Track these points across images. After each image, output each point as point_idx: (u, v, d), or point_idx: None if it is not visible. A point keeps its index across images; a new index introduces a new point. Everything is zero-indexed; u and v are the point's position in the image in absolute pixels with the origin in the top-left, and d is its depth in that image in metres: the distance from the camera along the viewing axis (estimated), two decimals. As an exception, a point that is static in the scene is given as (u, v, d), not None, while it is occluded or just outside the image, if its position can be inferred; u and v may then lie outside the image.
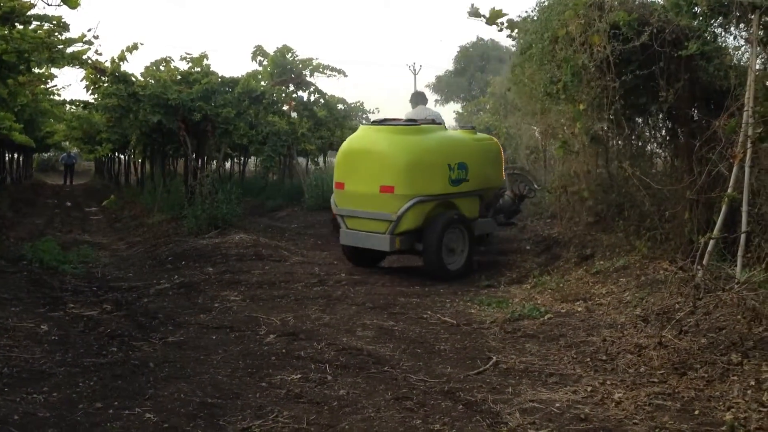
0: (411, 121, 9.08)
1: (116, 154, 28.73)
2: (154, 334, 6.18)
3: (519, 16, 9.07)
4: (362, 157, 8.62)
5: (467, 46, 49.11)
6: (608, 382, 4.72)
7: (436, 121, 9.54)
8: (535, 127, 14.08)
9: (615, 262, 7.56)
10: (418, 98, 11.54)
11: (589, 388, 4.62)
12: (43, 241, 10.36)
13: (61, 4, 7.88)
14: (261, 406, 4.42)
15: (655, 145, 8.54)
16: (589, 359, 5.25)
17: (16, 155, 28.06)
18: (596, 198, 8.56)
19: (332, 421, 4.16)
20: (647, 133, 8.43)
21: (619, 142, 8.23)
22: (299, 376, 5.01)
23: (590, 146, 8.30)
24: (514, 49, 10.19)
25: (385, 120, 9.26)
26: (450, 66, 51.07)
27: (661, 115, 8.00)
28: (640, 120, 8.27)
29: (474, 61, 47.47)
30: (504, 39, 62.49)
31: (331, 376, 5.00)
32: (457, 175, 8.87)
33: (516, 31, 8.85)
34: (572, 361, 5.26)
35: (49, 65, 10.80)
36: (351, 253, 9.39)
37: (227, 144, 15.12)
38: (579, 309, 6.66)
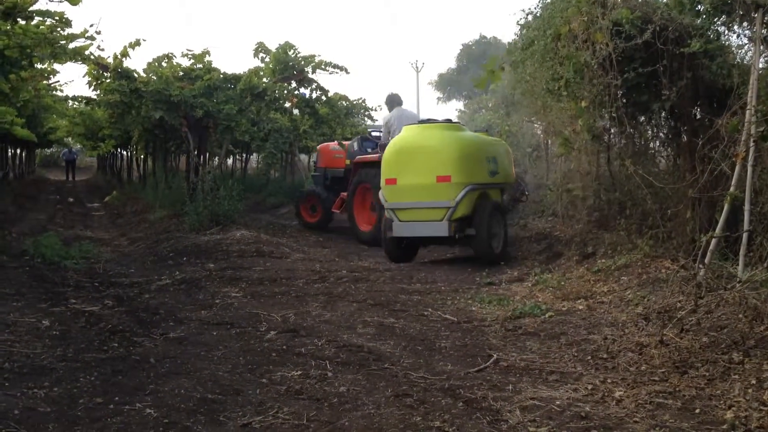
0: (448, 120, 10.10)
1: (119, 151, 28.76)
2: (155, 330, 6.18)
3: (523, 10, 9.06)
4: (415, 152, 9.30)
5: (470, 43, 49.06)
6: (609, 381, 4.71)
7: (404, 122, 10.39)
8: (536, 125, 14.08)
9: (617, 260, 7.55)
10: (394, 100, 11.77)
11: (589, 386, 4.61)
12: (45, 237, 10.38)
13: (63, 0, 7.89)
14: (261, 402, 4.42)
15: (658, 143, 8.53)
16: (590, 357, 5.24)
17: (18, 150, 28.08)
18: (598, 196, 8.55)
19: (332, 418, 4.16)
20: (649, 132, 8.42)
21: (621, 140, 8.21)
22: (300, 372, 5.01)
23: (592, 144, 8.28)
24: (508, 44, 10.29)
25: (429, 120, 10.28)
26: (452, 63, 51.05)
27: (663, 114, 8.00)
28: (642, 118, 8.27)
29: (476, 59, 47.41)
30: (507, 36, 62.54)
31: (331, 373, 4.99)
32: (492, 168, 9.79)
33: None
34: (573, 359, 5.25)
35: (52, 61, 10.79)
36: (394, 249, 9.83)
37: (229, 141, 15.11)
38: (580, 307, 6.66)
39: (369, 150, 13.12)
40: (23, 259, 9.40)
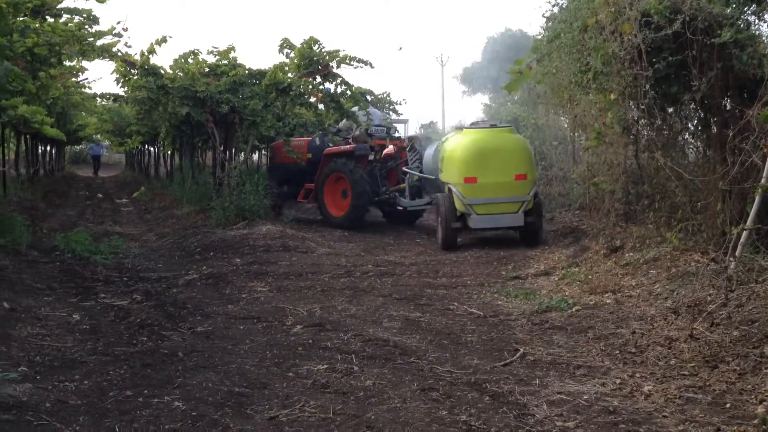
0: (494, 125, 11.47)
1: (146, 147, 29.01)
2: (183, 324, 6.24)
3: (549, 2, 8.96)
4: (493, 154, 10.45)
5: (495, 36, 48.61)
6: (637, 375, 4.66)
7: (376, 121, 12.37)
8: (563, 118, 13.95)
9: (645, 253, 7.46)
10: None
11: (617, 381, 4.57)
12: (75, 232, 10.51)
13: (90, -3, 7.97)
14: (288, 396, 4.44)
15: (687, 134, 8.40)
16: (618, 351, 5.19)
17: (48, 147, 28.48)
18: (626, 189, 8.45)
19: (358, 411, 4.17)
20: (679, 123, 8.28)
21: (650, 132, 8.09)
22: (326, 366, 5.03)
23: (620, 136, 8.18)
24: (534, 39, 10.32)
25: (483, 122, 12.06)
26: (478, 57, 50.63)
27: (693, 105, 7.86)
28: (671, 109, 8.13)
29: (502, 52, 46.98)
30: (533, 29, 61.97)
31: (357, 367, 5.01)
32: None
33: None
34: (601, 353, 5.21)
35: (80, 58, 10.92)
36: (454, 239, 10.72)
37: (255, 136, 15.17)
38: (608, 301, 6.60)
39: (330, 145, 14.23)
40: (54, 254, 9.54)
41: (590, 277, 7.51)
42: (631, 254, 7.67)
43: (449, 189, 10.74)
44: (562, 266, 8.32)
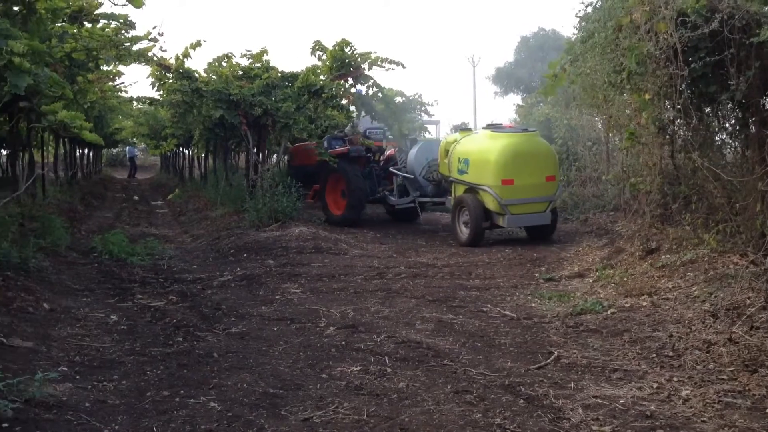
0: (525, 129, 12.33)
1: (180, 149, 29.38)
2: (218, 325, 6.31)
3: (582, 2, 8.85)
4: (528, 157, 10.96)
5: (528, 36, 48.25)
6: (675, 379, 4.59)
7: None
8: (597, 119, 13.80)
9: (682, 255, 7.33)
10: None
11: (654, 385, 4.51)
12: (112, 234, 10.70)
13: (127, 3, 8.10)
14: (321, 397, 4.47)
15: (725, 135, 8.24)
16: (654, 355, 5.12)
17: (86, 150, 28.99)
18: (662, 190, 8.32)
19: (392, 413, 4.17)
20: (716, 123, 8.14)
21: (687, 133, 7.96)
22: (359, 368, 5.04)
23: (656, 137, 8.06)
24: (566, 40, 10.28)
25: (507, 125, 12.92)
26: (510, 57, 50.29)
27: (730, 105, 7.72)
28: (708, 109, 8.00)
29: (534, 52, 46.62)
30: (566, 29, 61.35)
31: (390, 369, 5.01)
32: None
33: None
34: (637, 356, 5.14)
35: (117, 63, 11.12)
36: (481, 237, 11.05)
37: (287, 138, 15.29)
38: (644, 304, 6.51)
39: (337, 147, 14.60)
40: (92, 255, 9.72)
41: (625, 279, 7.42)
42: (668, 256, 7.55)
43: (479, 190, 11.01)
44: (596, 268, 8.23)
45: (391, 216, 15.04)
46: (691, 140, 7.77)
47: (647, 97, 7.44)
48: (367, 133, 14.93)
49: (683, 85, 7.05)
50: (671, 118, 7.64)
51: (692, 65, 6.92)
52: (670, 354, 5.09)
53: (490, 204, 10.88)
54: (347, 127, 15.51)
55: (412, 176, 13.25)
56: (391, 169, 14.00)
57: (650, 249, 8.03)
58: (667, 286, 6.81)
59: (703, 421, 3.91)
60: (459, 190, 11.62)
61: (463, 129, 14.08)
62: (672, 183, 8.29)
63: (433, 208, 14.44)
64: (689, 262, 7.11)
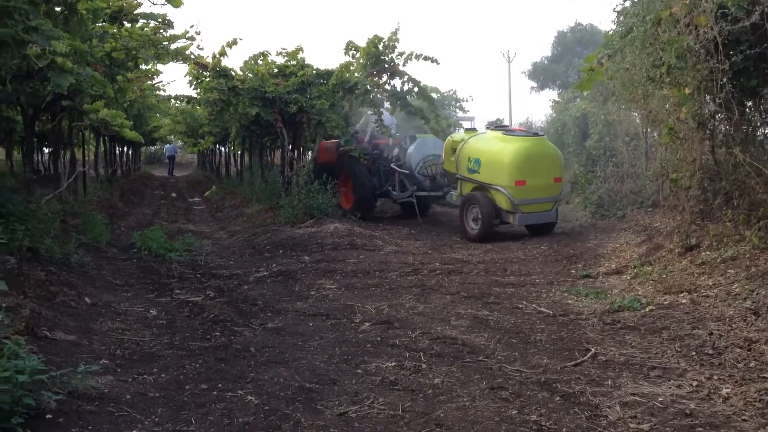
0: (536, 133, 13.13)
1: (217, 147, 29.71)
2: (255, 320, 6.38)
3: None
4: (539, 159, 11.51)
5: (565, 30, 47.70)
6: (715, 377, 4.52)
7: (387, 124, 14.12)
8: (635, 114, 13.61)
9: (723, 252, 7.20)
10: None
11: (694, 383, 4.44)
12: (150, 230, 10.87)
13: (165, 2, 8.22)
14: (357, 392, 4.49)
15: (767, 129, 8.07)
16: (694, 353, 5.04)
17: (125, 148, 29.49)
18: (702, 186, 8.17)
19: (427, 409, 4.18)
20: (758, 118, 7.97)
21: (728, 127, 7.81)
22: (394, 363, 5.05)
23: (696, 132, 7.93)
24: (604, 35, 10.17)
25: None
26: (547, 52, 49.76)
27: (773, 98, 7.56)
28: (750, 104, 7.84)
29: (571, 47, 46.09)
30: (603, 23, 60.47)
31: (425, 365, 5.01)
32: None
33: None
34: (676, 354, 5.07)
35: (155, 61, 11.29)
36: (488, 235, 11.40)
37: (322, 135, 15.38)
38: (683, 301, 6.40)
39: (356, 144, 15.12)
40: (131, 251, 9.89)
41: (664, 276, 7.31)
42: (708, 253, 7.42)
43: (491, 189, 11.53)
44: (634, 265, 8.12)
45: (403, 210, 15.39)
46: (732, 135, 7.62)
47: (687, 91, 7.31)
48: (372, 132, 15.24)
49: (724, 79, 6.91)
50: (712, 112, 7.51)
51: (733, 59, 6.79)
52: (710, 352, 5.01)
53: (503, 203, 11.39)
54: (358, 125, 15.93)
55: (407, 172, 13.87)
56: (392, 165, 14.36)
57: (690, 246, 7.89)
58: (707, 284, 6.70)
59: (744, 420, 3.84)
60: (467, 188, 12.11)
61: (467, 129, 14.60)
62: (712, 179, 8.14)
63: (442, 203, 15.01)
64: (730, 259, 6.98)
